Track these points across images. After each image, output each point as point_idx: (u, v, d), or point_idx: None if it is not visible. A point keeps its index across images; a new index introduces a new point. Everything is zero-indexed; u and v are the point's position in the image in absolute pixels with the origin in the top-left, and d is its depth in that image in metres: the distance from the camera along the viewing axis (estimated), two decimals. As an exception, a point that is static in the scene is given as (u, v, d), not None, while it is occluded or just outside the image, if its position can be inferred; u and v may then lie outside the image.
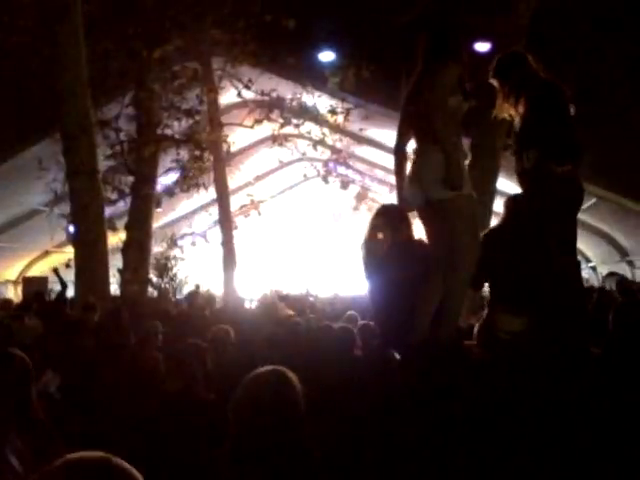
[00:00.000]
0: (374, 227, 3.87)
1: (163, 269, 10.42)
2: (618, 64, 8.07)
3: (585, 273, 15.29)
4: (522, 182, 3.81)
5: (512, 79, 3.79)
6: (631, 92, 7.93)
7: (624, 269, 14.45)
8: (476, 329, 3.82)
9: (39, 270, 15.34)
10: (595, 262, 16.64)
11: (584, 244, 15.06)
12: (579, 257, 13.23)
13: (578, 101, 3.80)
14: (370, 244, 3.85)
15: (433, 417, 2.73)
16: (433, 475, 2.54)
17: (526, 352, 3.23)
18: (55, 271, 8.51)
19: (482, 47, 8.25)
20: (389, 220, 3.83)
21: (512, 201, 3.97)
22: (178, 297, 10.79)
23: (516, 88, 3.76)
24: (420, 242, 3.77)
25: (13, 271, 15.63)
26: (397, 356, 3.61)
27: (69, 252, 10.15)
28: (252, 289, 18.06)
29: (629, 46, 7.41)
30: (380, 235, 3.83)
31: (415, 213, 3.74)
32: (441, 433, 2.65)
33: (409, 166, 3.73)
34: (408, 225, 3.87)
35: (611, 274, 11.83)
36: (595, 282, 14.27)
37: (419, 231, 3.91)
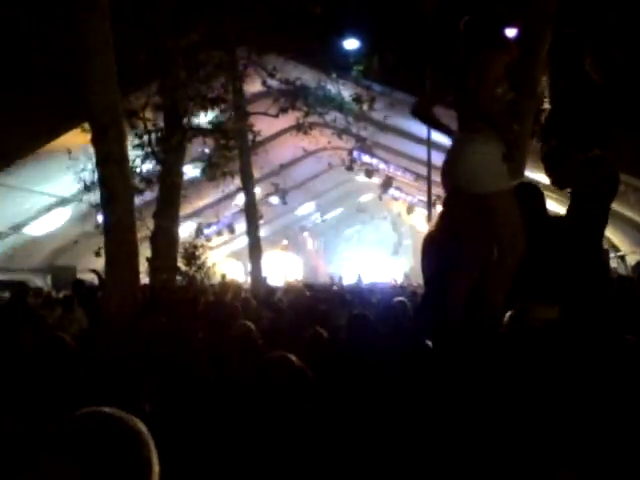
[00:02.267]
0: None
1: (191, 257, 10.55)
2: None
3: (613, 262, 15.13)
4: (545, 168, 3.82)
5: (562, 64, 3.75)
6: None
7: (654, 258, 14.28)
8: (506, 319, 3.86)
9: (67, 260, 15.62)
10: (624, 251, 16.44)
11: (612, 233, 14.88)
12: (607, 246, 13.08)
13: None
14: None
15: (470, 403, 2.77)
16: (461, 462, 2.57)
17: (560, 339, 3.24)
18: (93, 271, 8.69)
19: (508, 33, 8.17)
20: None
21: (526, 190, 3.94)
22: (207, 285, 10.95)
23: (561, 74, 3.74)
24: None
25: (41, 260, 15.92)
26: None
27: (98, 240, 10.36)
28: (277, 278, 18.22)
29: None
30: None
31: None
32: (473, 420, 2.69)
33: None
34: None
35: (640, 264, 11.73)
36: (623, 271, 14.11)
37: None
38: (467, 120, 3.49)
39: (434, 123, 3.80)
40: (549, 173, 3.84)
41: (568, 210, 3.78)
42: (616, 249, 16.38)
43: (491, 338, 3.41)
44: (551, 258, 3.62)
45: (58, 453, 1.20)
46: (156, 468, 1.25)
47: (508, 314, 3.89)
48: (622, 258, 16.26)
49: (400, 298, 5.20)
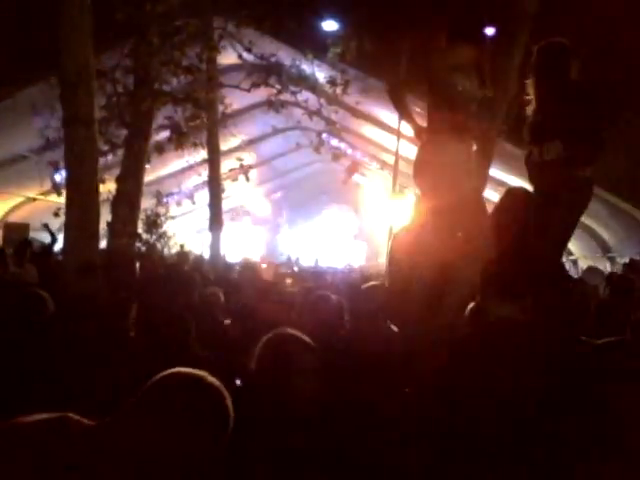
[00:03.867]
0: None
1: (152, 225, 10.47)
2: (620, 62, 8.15)
3: (566, 265, 15.56)
4: (535, 173, 3.87)
5: (548, 70, 3.81)
6: (627, 91, 8.04)
7: (604, 264, 14.74)
8: (467, 313, 3.98)
9: (22, 216, 15.29)
10: (577, 255, 16.93)
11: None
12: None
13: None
14: None
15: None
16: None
17: (516, 334, 3.34)
18: (46, 226, 8.60)
19: (487, 31, 8.29)
20: None
21: (515, 194, 4.08)
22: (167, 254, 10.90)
23: (548, 79, 3.79)
24: None
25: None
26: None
27: (55, 201, 10.20)
28: (237, 254, 18.20)
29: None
30: None
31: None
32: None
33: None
34: None
35: (591, 268, 12.09)
36: (574, 275, 14.54)
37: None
38: (435, 120, 3.58)
39: (403, 108, 3.87)
40: (532, 178, 3.94)
41: (538, 214, 3.89)
42: (569, 253, 16.85)
43: (451, 333, 3.53)
44: (514, 257, 3.75)
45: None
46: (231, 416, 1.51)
47: (468, 310, 4.03)
48: (574, 262, 16.75)
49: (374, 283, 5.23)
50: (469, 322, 3.70)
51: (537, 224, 3.76)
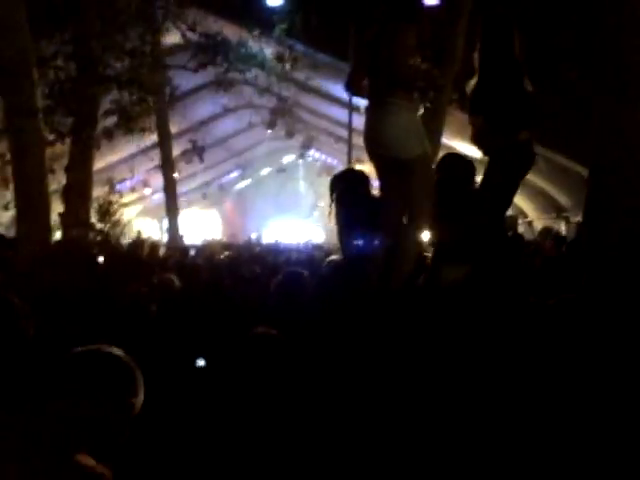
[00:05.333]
0: None
1: (105, 213, 10.34)
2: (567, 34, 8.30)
3: (521, 227, 15.91)
4: (481, 141, 4.00)
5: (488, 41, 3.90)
6: (578, 57, 8.19)
7: (559, 225, 15.12)
8: (420, 280, 4.09)
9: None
10: (531, 217, 17.31)
11: (522, 200, 15.62)
12: (516, 212, 13.76)
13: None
14: None
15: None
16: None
17: (466, 298, 3.46)
18: None
19: (430, 1, 8.36)
20: None
21: (451, 160, 4.21)
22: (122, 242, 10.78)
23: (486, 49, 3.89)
24: None
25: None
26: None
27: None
28: (197, 238, 18.10)
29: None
30: None
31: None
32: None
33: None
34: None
35: (546, 229, 12.41)
36: (530, 236, 14.90)
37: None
38: (381, 89, 3.64)
39: (359, 92, 3.97)
40: (477, 145, 4.05)
41: (482, 179, 4.00)
42: (524, 215, 17.23)
43: (404, 296, 3.63)
44: (462, 222, 3.87)
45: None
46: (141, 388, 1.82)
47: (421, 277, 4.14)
48: (530, 224, 17.14)
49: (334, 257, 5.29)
50: (422, 285, 3.81)
51: (479, 189, 3.89)
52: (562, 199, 15.30)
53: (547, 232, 11.06)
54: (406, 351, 2.94)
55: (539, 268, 5.37)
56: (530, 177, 13.80)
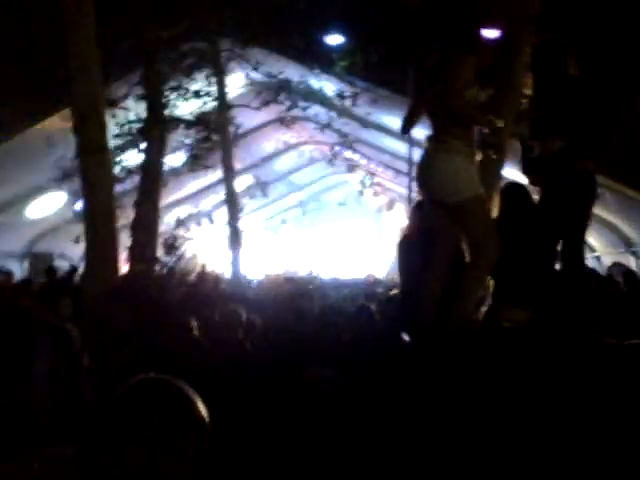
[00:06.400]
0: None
1: (171, 248, 10.56)
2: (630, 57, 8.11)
3: (589, 263, 15.38)
4: (535, 169, 3.86)
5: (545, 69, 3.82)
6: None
7: (628, 259, 14.54)
8: (479, 320, 3.96)
9: (45, 247, 15.49)
10: (599, 252, 16.72)
11: (589, 233, 15.12)
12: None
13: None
14: None
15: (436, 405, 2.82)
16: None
17: (531, 339, 3.30)
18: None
19: (490, 34, 8.30)
20: None
21: (512, 190, 4.07)
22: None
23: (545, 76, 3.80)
24: None
25: (18, 246, 15.75)
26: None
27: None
28: (258, 271, 18.25)
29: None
30: None
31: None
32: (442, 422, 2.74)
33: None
34: None
35: (615, 264, 11.95)
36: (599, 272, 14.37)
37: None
38: (437, 127, 3.59)
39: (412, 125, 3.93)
40: (530, 175, 3.93)
41: (546, 214, 3.86)
42: (592, 250, 16.65)
43: (464, 338, 3.51)
44: (528, 260, 3.73)
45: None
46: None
47: (481, 315, 4.01)
48: (598, 258, 16.55)
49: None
50: (482, 326, 3.69)
51: (546, 222, 3.75)
52: (631, 233, 14.75)
53: (617, 267, 10.64)
54: (471, 398, 2.81)
55: (612, 305, 5.13)
56: (598, 210, 13.42)
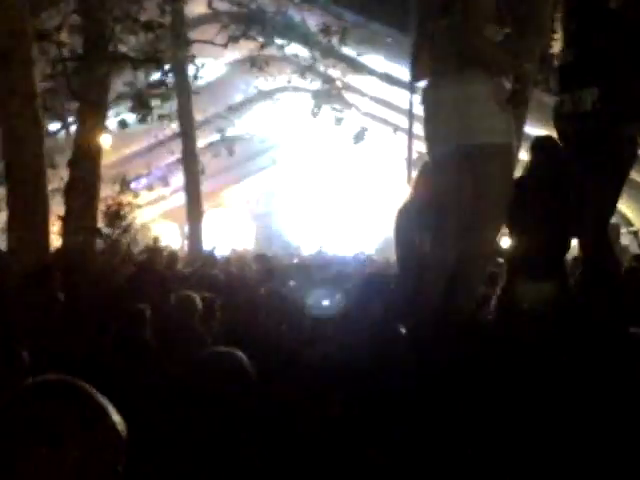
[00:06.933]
0: None
1: (114, 217, 10.47)
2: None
3: (625, 238, 15.53)
4: (567, 129, 3.82)
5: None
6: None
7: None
8: (494, 300, 3.98)
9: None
10: (638, 226, 16.87)
11: (626, 204, 15.23)
12: (620, 220, 13.39)
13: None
14: None
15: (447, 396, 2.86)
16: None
17: (556, 326, 3.32)
18: None
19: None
20: None
21: (544, 146, 4.06)
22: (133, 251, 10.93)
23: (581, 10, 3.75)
24: None
25: None
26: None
27: None
28: (223, 245, 18.22)
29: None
30: None
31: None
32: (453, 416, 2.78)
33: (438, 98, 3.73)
34: None
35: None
36: (636, 248, 14.53)
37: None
38: (450, 62, 3.55)
39: (421, 72, 3.92)
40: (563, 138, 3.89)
41: (579, 177, 3.86)
42: (629, 223, 16.79)
43: (474, 322, 3.54)
44: (558, 226, 3.75)
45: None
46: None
47: (495, 294, 4.04)
48: (635, 234, 16.69)
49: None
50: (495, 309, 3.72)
51: (574, 194, 3.75)
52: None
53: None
54: (492, 391, 2.85)
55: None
56: (635, 177, 13.52)
